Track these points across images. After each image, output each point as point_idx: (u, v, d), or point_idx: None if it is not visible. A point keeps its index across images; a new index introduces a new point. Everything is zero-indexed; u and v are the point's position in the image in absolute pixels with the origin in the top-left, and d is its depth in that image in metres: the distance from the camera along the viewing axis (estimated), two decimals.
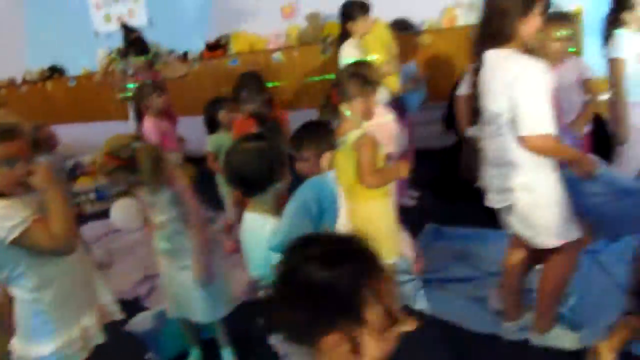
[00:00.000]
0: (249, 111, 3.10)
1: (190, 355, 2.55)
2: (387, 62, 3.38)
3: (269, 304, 0.97)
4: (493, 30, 1.92)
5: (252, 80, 3.22)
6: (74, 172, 5.04)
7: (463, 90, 3.09)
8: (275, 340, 1.66)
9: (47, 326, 1.76)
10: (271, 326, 0.98)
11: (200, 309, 2.31)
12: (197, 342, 2.56)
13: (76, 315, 1.82)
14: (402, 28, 4.29)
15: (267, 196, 1.77)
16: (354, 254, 0.94)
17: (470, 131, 2.18)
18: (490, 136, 2.05)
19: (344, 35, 3.52)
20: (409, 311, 2.75)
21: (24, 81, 7.09)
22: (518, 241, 2.24)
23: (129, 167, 2.07)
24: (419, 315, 2.72)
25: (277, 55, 5.35)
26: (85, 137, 5.43)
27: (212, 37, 5.81)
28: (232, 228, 3.47)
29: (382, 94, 3.09)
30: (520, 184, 1.99)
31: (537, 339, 2.29)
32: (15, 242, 1.60)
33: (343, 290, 0.90)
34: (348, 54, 3.34)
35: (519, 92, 1.86)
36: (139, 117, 3.61)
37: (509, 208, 2.07)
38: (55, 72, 6.89)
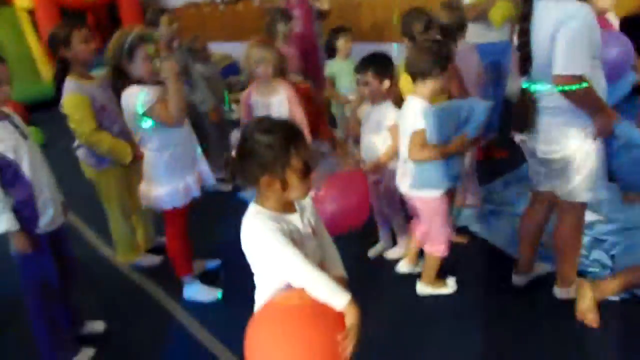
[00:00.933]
0: None
1: None
2: None
3: (234, 162, 1.51)
4: None
5: None
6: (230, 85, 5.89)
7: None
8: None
9: (163, 176, 2.54)
10: (234, 175, 1.52)
11: None
12: None
13: (182, 173, 2.57)
14: None
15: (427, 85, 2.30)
16: (286, 128, 1.49)
17: (522, 81, 2.20)
18: (544, 86, 2.09)
19: None
20: (467, 231, 3.10)
21: (222, 1, 8.22)
22: (540, 197, 2.39)
23: None
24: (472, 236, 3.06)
25: None
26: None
27: None
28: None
29: None
30: (576, 135, 2.08)
31: (561, 293, 2.43)
32: (145, 114, 2.37)
33: (275, 147, 1.44)
34: None
35: (561, 33, 1.93)
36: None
37: (556, 160, 2.16)
38: None
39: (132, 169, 2.95)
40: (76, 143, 2.84)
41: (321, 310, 1.43)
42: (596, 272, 2.59)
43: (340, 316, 1.42)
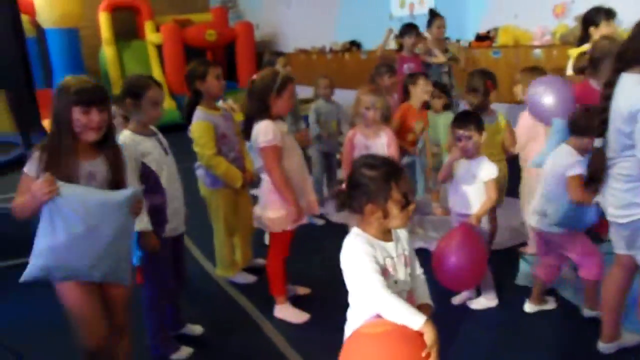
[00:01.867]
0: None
1: None
2: None
3: (341, 193, 1.74)
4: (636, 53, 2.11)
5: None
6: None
7: None
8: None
9: (277, 201, 2.80)
10: (341, 204, 1.75)
11: None
12: None
13: None
14: None
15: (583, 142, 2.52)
16: (388, 163, 1.71)
17: (597, 142, 2.28)
18: (617, 151, 2.19)
19: (584, 39, 3.75)
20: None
21: (330, 50, 8.74)
22: (619, 260, 2.40)
23: None
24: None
25: (538, 52, 5.61)
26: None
27: (485, 29, 6.33)
28: None
29: None
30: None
31: (605, 348, 2.47)
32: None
33: (378, 179, 1.66)
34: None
35: None
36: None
37: (629, 224, 2.22)
38: (353, 45, 8.32)
39: (241, 193, 3.29)
40: (197, 163, 3.21)
41: (407, 335, 1.56)
42: None
43: (423, 340, 1.55)
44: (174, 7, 10.94)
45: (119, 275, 2.05)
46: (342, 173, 3.49)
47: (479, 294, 3.07)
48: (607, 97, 2.19)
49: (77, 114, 1.93)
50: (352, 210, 1.75)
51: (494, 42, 6.13)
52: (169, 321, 2.75)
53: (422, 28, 5.27)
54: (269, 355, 2.74)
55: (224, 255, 3.41)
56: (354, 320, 1.77)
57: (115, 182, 2.07)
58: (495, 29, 6.17)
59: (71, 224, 1.87)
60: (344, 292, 3.24)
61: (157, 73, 9.48)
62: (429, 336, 1.54)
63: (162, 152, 2.55)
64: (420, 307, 1.77)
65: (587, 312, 2.81)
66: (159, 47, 9.57)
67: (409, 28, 5.02)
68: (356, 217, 1.75)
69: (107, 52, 9.30)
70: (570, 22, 5.50)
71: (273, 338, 2.86)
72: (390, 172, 1.68)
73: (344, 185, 1.77)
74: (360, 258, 1.66)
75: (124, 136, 2.46)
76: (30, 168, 1.95)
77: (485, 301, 3.02)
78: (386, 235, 1.75)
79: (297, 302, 3.12)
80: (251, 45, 10.00)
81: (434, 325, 1.56)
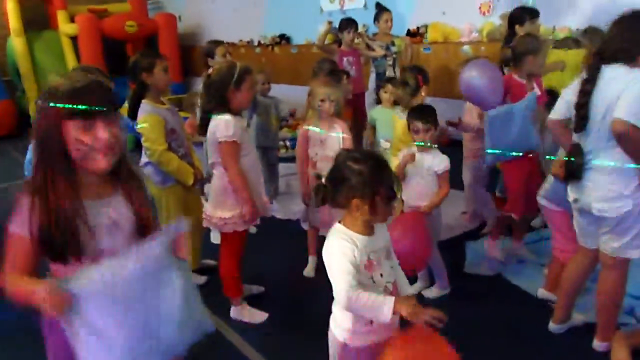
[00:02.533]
0: None
1: None
2: None
3: (324, 186, 1.69)
4: (620, 48, 2.18)
5: None
6: (285, 119, 6.23)
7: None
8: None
9: (229, 201, 2.70)
10: (322, 199, 1.70)
11: None
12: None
13: None
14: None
15: None
16: (374, 157, 1.69)
17: (575, 137, 2.34)
18: (603, 140, 2.22)
19: (510, 37, 3.95)
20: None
21: (259, 44, 8.61)
22: (585, 251, 2.49)
23: None
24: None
25: (466, 48, 5.82)
26: (297, 98, 6.56)
27: (414, 25, 6.48)
28: None
29: None
30: (630, 193, 2.21)
31: (601, 347, 2.50)
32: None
33: (366, 174, 1.62)
34: None
35: (630, 89, 2.09)
36: None
37: (612, 218, 2.26)
38: (283, 39, 8.24)
39: (191, 191, 3.14)
40: (143, 161, 3.02)
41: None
42: (632, 323, 2.70)
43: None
44: None
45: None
46: (296, 168, 3.42)
47: (432, 283, 3.14)
48: (586, 92, 2.24)
49: (73, 131, 1.38)
50: (335, 205, 1.71)
51: (424, 38, 6.29)
52: None
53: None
54: (231, 358, 2.64)
55: None
56: (340, 314, 1.75)
57: (142, 226, 1.53)
58: (425, 26, 6.34)
59: (113, 324, 1.31)
60: (297, 289, 3.22)
61: (72, 66, 8.90)
62: (406, 309, 1.54)
63: None
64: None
65: (542, 293, 2.94)
66: (74, 39, 8.99)
67: (348, 23, 5.03)
68: (335, 211, 1.72)
69: (16, 43, 8.60)
70: (496, 20, 5.75)
71: (233, 340, 2.76)
72: (376, 165, 1.66)
73: (323, 180, 1.73)
74: (336, 257, 1.65)
75: None
76: (18, 226, 1.39)
77: (438, 290, 3.09)
78: (369, 229, 1.73)
79: (252, 301, 3.03)
80: (174, 38, 9.65)
81: (405, 298, 1.61)
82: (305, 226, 3.45)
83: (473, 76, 3.12)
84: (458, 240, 3.75)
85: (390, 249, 1.85)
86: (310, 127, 3.16)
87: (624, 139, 2.14)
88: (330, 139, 3.11)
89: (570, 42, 4.23)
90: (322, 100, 3.03)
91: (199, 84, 3.84)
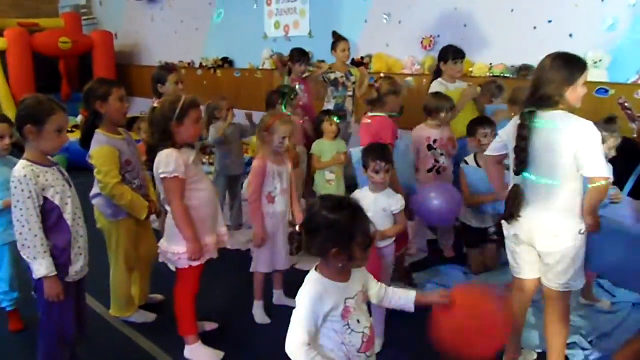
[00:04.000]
0: None
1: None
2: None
3: (298, 235, 1.68)
4: (544, 95, 2.31)
5: None
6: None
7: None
8: None
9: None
10: (299, 247, 1.69)
11: None
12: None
13: (203, 234, 2.66)
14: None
15: None
16: (350, 205, 1.68)
17: (516, 180, 2.43)
18: (543, 183, 2.34)
19: (437, 72, 4.18)
20: None
21: (201, 66, 8.49)
22: (523, 284, 2.58)
23: None
24: None
25: (409, 80, 6.00)
26: (238, 121, 6.51)
27: (358, 54, 6.61)
28: None
29: None
30: (574, 229, 2.33)
31: None
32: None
33: (342, 223, 1.61)
34: (433, 89, 4.10)
35: (587, 145, 2.23)
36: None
37: (555, 252, 2.37)
38: (226, 62, 8.17)
39: (143, 224, 3.03)
40: (94, 192, 2.88)
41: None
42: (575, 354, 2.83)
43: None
44: (18, 9, 9.86)
45: None
46: (245, 195, 3.35)
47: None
48: (524, 137, 2.35)
49: None
50: (311, 253, 1.70)
51: (368, 68, 6.43)
52: None
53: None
54: None
55: (122, 294, 3.10)
56: None
57: None
58: (370, 56, 6.49)
59: None
60: (252, 324, 3.14)
61: None
62: None
63: (65, 184, 2.25)
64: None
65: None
66: (2, 53, 8.52)
67: (301, 55, 4.99)
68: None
69: None
70: (436, 55, 5.96)
71: None
72: (352, 213, 1.65)
73: (297, 228, 1.72)
74: (304, 306, 1.66)
75: (22, 167, 2.13)
76: None
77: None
78: (345, 275, 1.73)
79: (206, 339, 2.92)
80: (110, 56, 9.36)
81: None
82: (254, 268, 3.19)
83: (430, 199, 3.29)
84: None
85: (366, 289, 1.83)
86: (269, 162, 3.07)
87: (598, 192, 2.27)
88: (285, 172, 3.10)
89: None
90: (284, 138, 3.01)
91: (136, 105, 3.74)
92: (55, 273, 2.13)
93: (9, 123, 2.86)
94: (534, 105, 2.36)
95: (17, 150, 2.51)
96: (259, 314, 3.19)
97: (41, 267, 2.08)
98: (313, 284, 1.69)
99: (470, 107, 4.24)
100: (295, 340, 1.63)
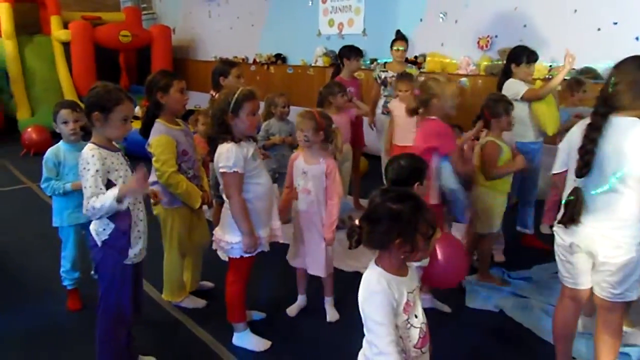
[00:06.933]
0: None
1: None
2: None
3: (358, 227, 1.67)
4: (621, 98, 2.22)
5: None
6: None
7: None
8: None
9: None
10: (357, 241, 1.68)
11: None
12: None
13: (257, 226, 2.69)
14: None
15: None
16: (413, 197, 1.68)
17: (578, 183, 2.33)
18: (606, 192, 2.24)
19: (506, 73, 4.04)
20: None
21: (254, 61, 8.62)
22: (575, 294, 2.49)
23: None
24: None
25: (464, 81, 5.92)
26: (290, 118, 6.54)
27: (413, 54, 6.56)
28: None
29: None
30: (636, 239, 2.23)
31: None
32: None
33: (406, 214, 1.61)
34: (511, 89, 3.89)
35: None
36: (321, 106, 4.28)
37: (617, 263, 2.28)
38: (279, 59, 8.27)
39: (197, 213, 3.11)
40: (151, 180, 2.96)
41: None
42: None
43: None
44: (83, 3, 10.26)
45: None
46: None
47: None
48: (592, 140, 2.25)
49: None
50: (372, 246, 1.69)
51: (421, 67, 6.37)
52: (126, 353, 2.51)
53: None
54: None
55: (175, 279, 3.20)
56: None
57: None
58: (423, 55, 6.43)
59: None
60: (298, 317, 3.13)
61: (63, 73, 8.82)
62: None
63: (128, 169, 2.34)
64: None
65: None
66: (66, 45, 8.90)
67: (356, 52, 4.96)
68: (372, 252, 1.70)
69: (7, 46, 8.47)
70: (494, 55, 5.86)
71: None
72: (416, 204, 1.65)
73: (357, 222, 1.70)
74: (379, 302, 1.63)
75: (90, 149, 2.23)
76: None
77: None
78: (405, 269, 1.72)
79: (254, 327, 2.98)
80: (168, 50, 9.62)
81: None
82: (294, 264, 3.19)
83: None
84: None
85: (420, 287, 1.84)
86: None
87: None
88: (311, 171, 2.93)
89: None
90: (300, 130, 2.92)
91: (192, 98, 3.82)
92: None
93: (72, 108, 2.98)
94: (608, 108, 2.26)
95: (86, 134, 2.62)
96: (293, 308, 3.24)
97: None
98: (378, 277, 1.66)
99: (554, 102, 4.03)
100: (385, 340, 1.59)
